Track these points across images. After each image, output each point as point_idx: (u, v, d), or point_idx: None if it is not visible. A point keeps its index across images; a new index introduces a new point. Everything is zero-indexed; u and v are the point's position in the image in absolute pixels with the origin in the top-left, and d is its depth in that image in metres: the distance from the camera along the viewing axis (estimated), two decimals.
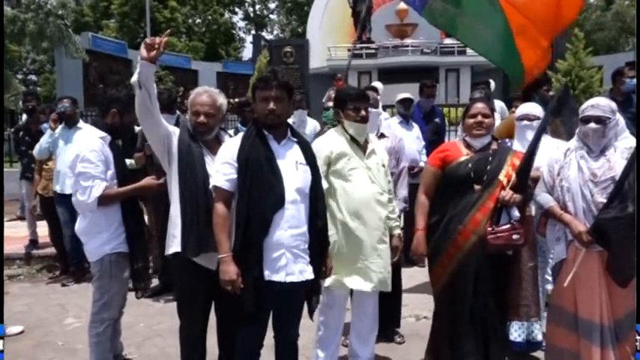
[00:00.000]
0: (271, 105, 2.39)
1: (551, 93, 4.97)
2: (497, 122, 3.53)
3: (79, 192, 2.83)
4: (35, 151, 5.17)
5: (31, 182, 5.70)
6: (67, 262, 5.27)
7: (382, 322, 3.65)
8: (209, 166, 2.56)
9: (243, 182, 2.35)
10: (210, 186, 2.43)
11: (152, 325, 4.05)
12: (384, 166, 2.97)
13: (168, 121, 4.35)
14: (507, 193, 2.64)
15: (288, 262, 2.37)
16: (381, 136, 3.59)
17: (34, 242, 5.91)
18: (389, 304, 3.61)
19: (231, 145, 2.45)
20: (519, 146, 3.14)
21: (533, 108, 3.44)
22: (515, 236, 2.62)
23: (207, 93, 2.68)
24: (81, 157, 2.85)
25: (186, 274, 2.59)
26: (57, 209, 5.03)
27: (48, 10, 12.77)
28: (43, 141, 5.05)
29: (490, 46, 3.71)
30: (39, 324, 4.09)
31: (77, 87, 13.96)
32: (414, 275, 4.65)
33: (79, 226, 2.99)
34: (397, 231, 3.06)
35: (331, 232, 2.75)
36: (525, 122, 3.34)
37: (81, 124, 4.95)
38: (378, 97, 3.76)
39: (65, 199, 4.72)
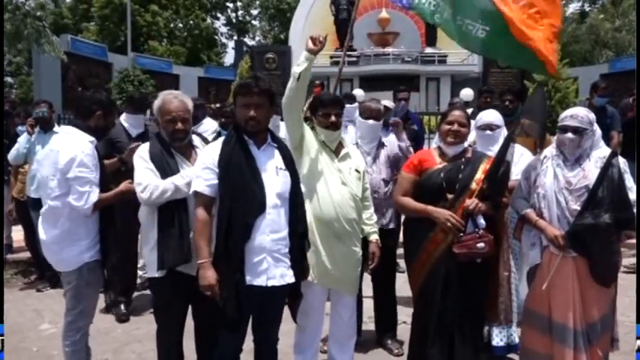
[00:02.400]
0: (252, 112, 2.41)
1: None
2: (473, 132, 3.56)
3: (74, 197, 2.68)
4: (11, 157, 5.07)
5: (7, 185, 5.59)
6: (43, 267, 5.17)
7: (378, 331, 3.68)
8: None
9: (224, 188, 2.36)
10: (191, 191, 2.43)
11: (130, 330, 4.01)
12: (357, 171, 2.95)
13: (137, 122, 4.26)
14: (472, 202, 2.68)
15: (269, 267, 2.39)
16: (382, 145, 3.57)
17: (8, 247, 5.79)
18: (383, 313, 3.64)
19: (212, 150, 2.45)
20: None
21: (494, 117, 3.40)
22: (479, 244, 2.64)
23: (177, 99, 2.65)
24: (78, 161, 2.69)
25: (163, 278, 2.59)
26: (31, 214, 4.94)
27: (26, 12, 12.55)
28: (20, 146, 4.97)
29: (491, 44, 3.73)
30: (14, 329, 4.00)
31: (55, 89, 13.74)
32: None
33: (49, 234, 2.76)
34: (374, 236, 3.05)
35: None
36: (488, 132, 3.33)
37: (57, 127, 4.87)
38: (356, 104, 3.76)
39: (39, 204, 4.63)
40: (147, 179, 2.55)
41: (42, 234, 2.83)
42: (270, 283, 2.39)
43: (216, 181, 2.38)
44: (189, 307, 2.73)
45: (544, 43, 3.55)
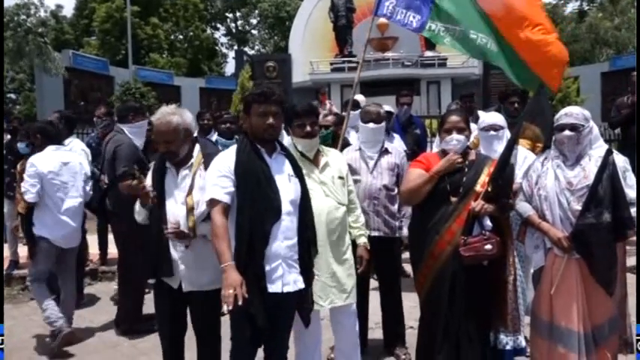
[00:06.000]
0: (271, 120, 2.45)
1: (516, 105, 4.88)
2: (475, 133, 3.56)
3: None
4: None
5: (12, 201, 5.60)
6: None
7: (385, 337, 3.66)
8: (169, 186, 2.71)
9: (242, 196, 2.38)
10: (207, 199, 2.42)
11: (137, 344, 4.00)
12: (341, 177, 2.96)
13: (141, 129, 4.24)
14: (478, 204, 2.66)
15: (284, 273, 2.43)
16: (386, 151, 3.53)
17: (14, 263, 5.79)
18: (390, 320, 3.61)
19: (226, 158, 2.46)
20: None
21: (498, 118, 3.42)
22: (487, 246, 2.62)
23: (159, 121, 2.68)
24: None
25: (155, 289, 2.76)
26: None
27: (27, 28, 12.69)
28: None
29: (495, 53, 3.78)
30: (21, 346, 4.01)
31: (58, 105, 13.79)
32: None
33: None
34: (362, 239, 3.05)
35: None
36: (492, 132, 3.32)
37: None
38: (378, 110, 3.62)
39: None
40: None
41: None
42: (285, 289, 2.42)
43: (232, 189, 2.39)
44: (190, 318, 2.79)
45: (544, 66, 3.56)
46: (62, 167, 3.94)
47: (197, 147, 2.77)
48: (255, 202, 2.37)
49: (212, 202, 2.40)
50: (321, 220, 2.81)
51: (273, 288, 2.39)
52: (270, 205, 2.39)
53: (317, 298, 2.81)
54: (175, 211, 2.62)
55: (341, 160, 3.10)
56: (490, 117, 3.46)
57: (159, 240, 2.61)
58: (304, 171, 2.82)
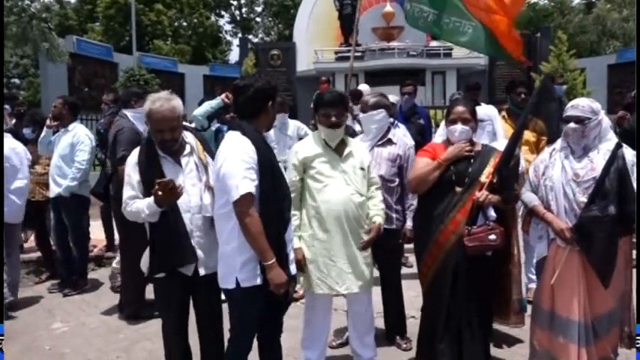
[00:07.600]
0: None
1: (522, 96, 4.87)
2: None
3: None
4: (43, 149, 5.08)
5: None
6: (54, 266, 5.24)
7: (387, 327, 3.67)
8: (170, 175, 2.53)
9: (266, 185, 2.36)
10: (243, 192, 2.29)
11: (140, 329, 4.03)
12: (362, 169, 2.96)
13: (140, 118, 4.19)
14: (482, 194, 2.66)
15: (291, 257, 2.53)
16: (389, 141, 3.50)
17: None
18: (391, 311, 3.63)
19: (245, 148, 2.36)
20: None
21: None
22: (491, 237, 2.62)
23: (164, 106, 2.50)
24: None
25: (163, 280, 2.63)
26: (52, 214, 5.07)
27: (31, 14, 12.63)
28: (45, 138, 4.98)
29: (471, 38, 4.05)
30: (25, 329, 4.05)
31: (62, 90, 13.75)
32: (403, 275, 4.67)
33: None
34: (376, 218, 2.97)
35: (308, 232, 2.88)
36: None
37: (71, 126, 4.88)
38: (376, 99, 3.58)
39: (54, 202, 4.81)
40: (125, 195, 2.58)
41: None
42: (295, 271, 2.54)
43: (257, 181, 2.35)
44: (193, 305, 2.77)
45: (506, 36, 3.99)
46: (11, 152, 4.29)
47: (187, 133, 2.70)
48: (276, 190, 2.41)
49: (248, 196, 2.29)
50: (339, 208, 2.84)
51: (290, 271, 2.48)
52: (286, 193, 2.50)
53: (333, 284, 2.85)
54: (186, 197, 2.53)
55: (364, 151, 3.10)
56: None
57: (177, 229, 2.51)
58: (325, 158, 2.88)
